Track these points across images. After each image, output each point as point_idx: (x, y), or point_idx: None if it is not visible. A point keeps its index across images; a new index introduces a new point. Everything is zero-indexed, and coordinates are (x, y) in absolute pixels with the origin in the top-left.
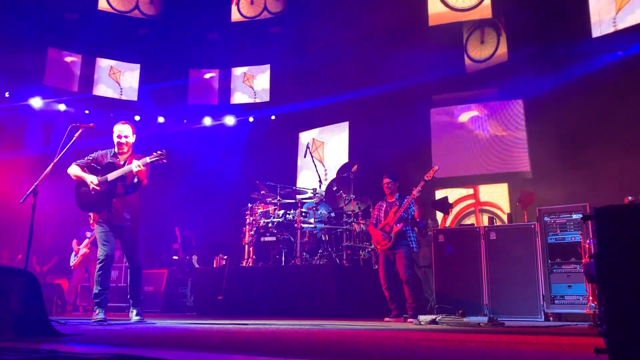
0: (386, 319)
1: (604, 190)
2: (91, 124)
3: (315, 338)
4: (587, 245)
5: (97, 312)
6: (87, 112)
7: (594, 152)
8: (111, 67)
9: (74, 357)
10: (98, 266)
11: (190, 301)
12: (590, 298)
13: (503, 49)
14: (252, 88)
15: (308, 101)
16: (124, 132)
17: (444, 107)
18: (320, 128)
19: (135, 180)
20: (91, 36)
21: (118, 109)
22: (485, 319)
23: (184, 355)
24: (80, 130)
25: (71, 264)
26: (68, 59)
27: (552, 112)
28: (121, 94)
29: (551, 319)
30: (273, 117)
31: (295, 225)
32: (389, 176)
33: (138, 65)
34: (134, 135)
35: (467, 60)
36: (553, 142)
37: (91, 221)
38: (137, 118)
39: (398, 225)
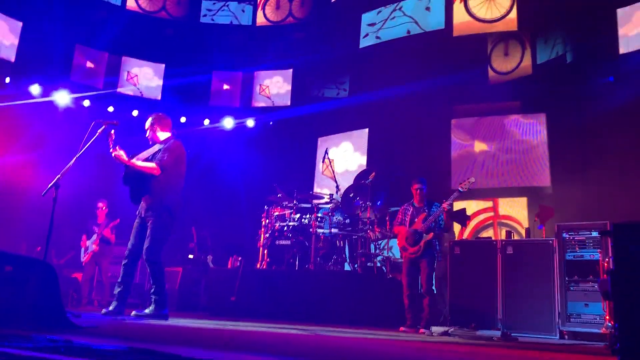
0: (402, 328)
1: (625, 208)
2: (115, 121)
3: (326, 343)
4: (605, 264)
5: (112, 304)
6: (111, 109)
7: (616, 170)
8: (136, 66)
9: (88, 349)
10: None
11: (203, 300)
12: (607, 317)
13: (527, 62)
14: (270, 98)
15: (328, 105)
16: (146, 125)
17: (465, 117)
18: (339, 134)
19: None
20: (118, 35)
21: (142, 107)
22: (498, 333)
23: (195, 353)
24: (103, 127)
25: (82, 260)
26: (92, 61)
27: (575, 128)
28: (141, 94)
29: (566, 337)
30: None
31: (311, 230)
32: (420, 181)
33: (162, 65)
34: (153, 126)
35: (490, 72)
36: (575, 158)
37: (97, 210)
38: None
39: (428, 235)
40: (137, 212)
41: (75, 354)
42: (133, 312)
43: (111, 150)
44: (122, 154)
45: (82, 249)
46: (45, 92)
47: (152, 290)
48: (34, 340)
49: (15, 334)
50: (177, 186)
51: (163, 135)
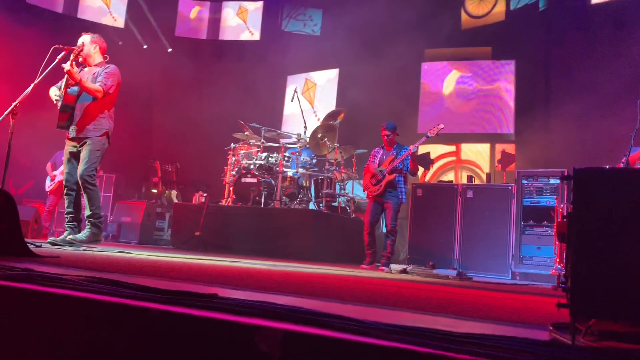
0: (362, 265)
1: (583, 157)
2: (75, 47)
3: (290, 278)
4: (560, 209)
5: (64, 234)
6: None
7: (578, 121)
8: None
9: (49, 277)
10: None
11: (167, 235)
12: (557, 260)
13: (501, 7)
14: (245, 22)
15: (298, 44)
16: (79, 40)
17: (435, 61)
18: (310, 72)
19: (74, 84)
20: None
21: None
22: (454, 273)
23: (159, 284)
24: (63, 53)
25: (47, 189)
26: None
27: (541, 77)
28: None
29: (518, 277)
30: (263, 54)
31: (277, 168)
32: (388, 127)
33: None
34: (93, 44)
35: (463, 16)
36: (539, 107)
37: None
38: (120, 43)
39: (391, 175)
40: (70, 136)
41: (35, 282)
42: (68, 236)
43: (69, 63)
44: (75, 71)
45: (48, 177)
46: None
47: (89, 213)
48: None
49: None
50: (112, 112)
51: (98, 58)
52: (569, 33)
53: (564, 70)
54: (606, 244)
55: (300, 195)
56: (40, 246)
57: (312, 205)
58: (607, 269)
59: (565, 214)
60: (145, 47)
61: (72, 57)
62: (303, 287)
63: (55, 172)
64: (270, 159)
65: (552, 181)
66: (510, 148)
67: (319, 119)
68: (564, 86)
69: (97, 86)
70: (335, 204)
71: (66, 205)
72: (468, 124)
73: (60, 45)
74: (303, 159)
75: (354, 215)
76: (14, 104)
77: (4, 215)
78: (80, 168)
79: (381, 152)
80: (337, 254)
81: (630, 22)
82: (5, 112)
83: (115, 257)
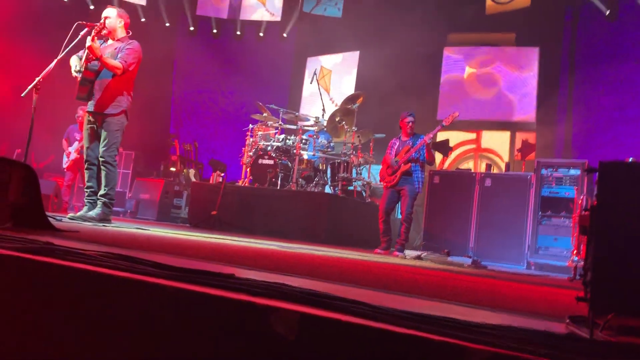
0: (376, 250)
1: (607, 149)
2: (98, 23)
3: (305, 260)
4: (580, 201)
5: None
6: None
7: (603, 111)
8: None
9: (69, 251)
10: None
11: (184, 213)
12: (575, 252)
13: None
14: (264, 4)
15: (319, 25)
16: (105, 14)
17: (458, 46)
18: (330, 55)
19: (94, 59)
20: None
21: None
22: (469, 261)
23: (176, 261)
24: (86, 29)
25: (63, 166)
26: None
27: (566, 65)
28: None
29: (533, 268)
30: (285, 35)
31: (294, 151)
32: (411, 115)
33: None
34: (119, 19)
35: (488, 1)
36: (563, 96)
37: (77, 118)
38: (142, 20)
39: (406, 165)
40: (88, 110)
41: (56, 255)
42: (79, 213)
43: (90, 38)
44: (97, 46)
45: (64, 154)
46: None
47: (103, 192)
48: (16, 240)
49: None
50: (131, 89)
51: (122, 32)
52: (595, 21)
53: (589, 59)
54: (629, 238)
55: (316, 178)
56: (61, 220)
57: (328, 189)
58: (628, 264)
59: (585, 205)
60: (167, 24)
61: (93, 32)
62: (318, 270)
63: (70, 149)
64: (287, 141)
65: (572, 172)
66: (531, 137)
67: (336, 105)
68: (589, 75)
69: (117, 63)
70: (351, 188)
71: (86, 179)
72: (489, 111)
73: (84, 22)
74: (320, 142)
75: (369, 200)
76: (37, 79)
77: (27, 189)
78: (102, 149)
79: (397, 143)
80: (351, 237)
81: None
82: (29, 87)
83: (133, 233)
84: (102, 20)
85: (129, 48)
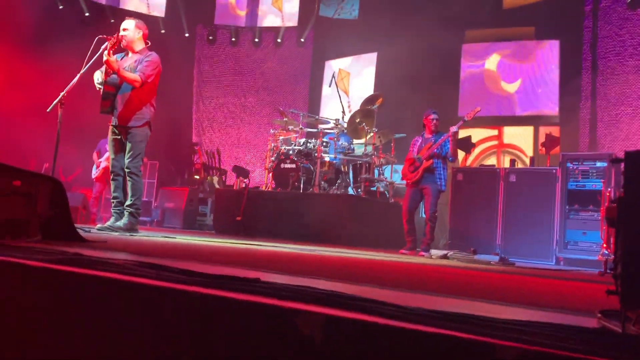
0: (401, 250)
1: (631, 140)
2: (119, 36)
3: (329, 262)
4: (608, 193)
5: (110, 220)
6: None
7: (626, 102)
8: None
9: (98, 261)
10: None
11: (209, 220)
12: (604, 245)
13: None
14: (281, 11)
15: (336, 28)
16: (123, 26)
17: (476, 42)
18: (348, 57)
19: (112, 73)
20: None
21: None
22: (496, 258)
23: (202, 268)
24: (106, 43)
25: (93, 176)
26: None
27: (588, 57)
28: (149, 10)
29: (562, 263)
30: (303, 40)
31: (316, 154)
32: (436, 112)
33: None
34: (137, 30)
35: None
36: (585, 88)
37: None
38: (162, 31)
39: (428, 161)
40: (112, 124)
41: (85, 265)
42: (107, 223)
43: (106, 52)
44: (114, 60)
45: (94, 165)
46: None
47: (129, 202)
48: (45, 252)
49: (26, 246)
50: (154, 100)
51: (140, 44)
52: (617, 11)
53: (611, 49)
54: None
55: (338, 181)
56: (89, 231)
57: (350, 190)
58: None
59: (613, 198)
60: (187, 35)
61: (109, 45)
62: (342, 271)
63: (100, 160)
64: (308, 144)
65: (598, 164)
66: (554, 131)
67: (350, 109)
68: (612, 65)
69: (135, 75)
70: (374, 188)
71: (112, 190)
72: (510, 107)
73: (105, 36)
74: (341, 144)
75: (393, 200)
76: (61, 94)
77: (55, 201)
78: (127, 160)
79: (420, 140)
80: (376, 238)
81: None
82: (54, 102)
83: (160, 241)
84: (120, 32)
85: (148, 60)
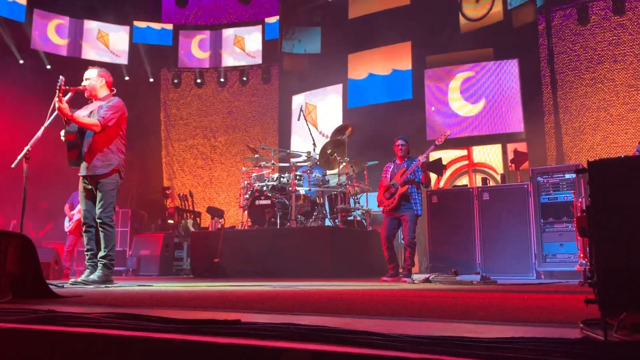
0: (383, 278)
1: (596, 149)
2: (82, 86)
3: (312, 297)
4: (579, 203)
5: (84, 273)
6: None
7: (588, 113)
8: (99, 30)
9: (72, 317)
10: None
11: (186, 264)
12: (581, 255)
13: (498, 8)
14: (244, 50)
15: (299, 63)
16: (85, 75)
17: (438, 67)
18: (314, 90)
19: (67, 120)
20: None
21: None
22: (477, 278)
23: (181, 314)
24: (70, 94)
25: (66, 229)
26: (55, 22)
27: (546, 72)
28: (111, 59)
29: (543, 276)
30: (267, 77)
31: (290, 188)
32: (402, 138)
33: (127, 27)
34: (99, 78)
35: (462, 20)
36: (548, 103)
37: None
38: (126, 78)
39: (403, 187)
40: (81, 174)
41: (59, 322)
42: (80, 277)
43: (56, 99)
44: (65, 107)
45: (67, 218)
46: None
47: (103, 254)
48: (17, 312)
49: None
50: (122, 145)
51: (104, 92)
52: (569, 27)
53: (568, 64)
54: (628, 233)
55: (315, 213)
56: (62, 287)
57: (328, 222)
58: (632, 260)
59: (584, 207)
60: (151, 80)
61: (57, 93)
62: (326, 305)
63: (72, 212)
64: (282, 179)
65: (567, 176)
66: (521, 146)
67: (327, 137)
68: (570, 80)
69: (94, 120)
70: (351, 218)
71: (85, 242)
72: (477, 126)
73: (67, 87)
74: (315, 176)
75: (370, 228)
76: (26, 148)
77: (25, 259)
78: (98, 210)
79: (392, 166)
80: (357, 268)
81: (630, 9)
82: (19, 157)
83: (137, 291)
84: (83, 82)
85: (109, 105)
